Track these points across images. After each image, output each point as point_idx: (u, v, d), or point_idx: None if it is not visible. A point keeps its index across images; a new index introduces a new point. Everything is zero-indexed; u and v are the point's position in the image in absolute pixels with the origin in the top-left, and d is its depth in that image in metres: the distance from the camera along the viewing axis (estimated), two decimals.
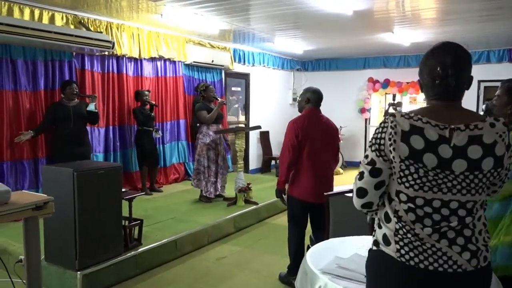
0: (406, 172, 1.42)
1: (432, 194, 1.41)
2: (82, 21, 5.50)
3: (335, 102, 9.80)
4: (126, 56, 6.21)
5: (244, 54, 8.61)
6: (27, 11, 4.91)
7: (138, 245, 4.02)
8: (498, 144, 1.41)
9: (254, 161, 9.35)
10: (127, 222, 3.97)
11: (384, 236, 1.49)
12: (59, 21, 5.23)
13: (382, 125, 1.48)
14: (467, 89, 1.50)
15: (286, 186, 3.53)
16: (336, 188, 3.38)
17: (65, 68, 5.45)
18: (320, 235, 3.44)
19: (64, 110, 4.92)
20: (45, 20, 5.08)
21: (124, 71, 6.25)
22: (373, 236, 1.56)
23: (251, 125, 8.77)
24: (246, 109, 9.17)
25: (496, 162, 1.41)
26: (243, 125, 8.87)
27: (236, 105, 9.23)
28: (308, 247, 3.18)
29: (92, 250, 3.47)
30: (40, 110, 5.20)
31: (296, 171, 3.42)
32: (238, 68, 8.53)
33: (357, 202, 1.54)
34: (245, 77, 9.01)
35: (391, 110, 8.79)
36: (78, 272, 3.38)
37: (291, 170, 3.41)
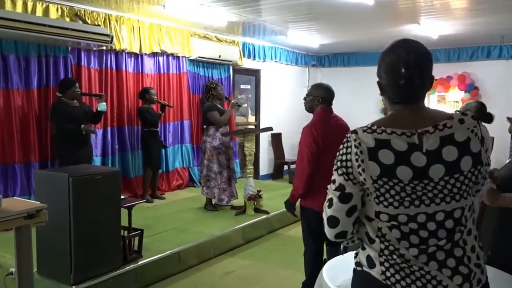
0: (382, 190, 1.40)
1: (415, 209, 1.39)
2: (79, 13, 5.56)
3: (355, 101, 9.75)
4: (126, 51, 6.26)
5: (254, 48, 8.63)
6: (19, 3, 4.99)
7: (138, 257, 4.04)
8: (472, 140, 1.40)
9: (265, 166, 9.35)
10: (126, 232, 3.99)
11: (368, 258, 1.48)
12: (54, 14, 5.30)
13: (346, 144, 1.47)
14: (429, 89, 1.50)
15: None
16: None
17: (60, 64, 5.52)
18: (338, 248, 3.42)
19: (74, 111, 4.96)
20: (39, 12, 5.15)
21: (124, 68, 6.31)
22: (355, 257, 1.55)
23: (261, 126, 8.78)
24: (256, 108, 9.18)
25: (475, 160, 1.39)
26: (252, 127, 8.87)
27: (245, 104, 9.23)
28: (325, 261, 3.16)
29: (89, 262, 3.50)
30: (32, 110, 5.26)
31: (314, 182, 3.35)
32: (247, 63, 8.55)
33: (330, 233, 1.52)
34: (255, 73, 9.03)
35: None
36: (73, 287, 3.40)
37: (310, 181, 3.30)
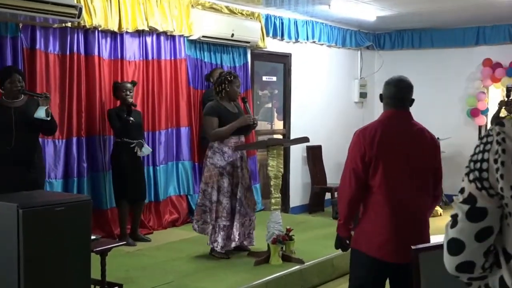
0: None
1: None
2: None
3: (429, 99, 9.66)
4: (99, 29, 6.36)
5: (282, 24, 8.68)
6: None
7: None
8: None
9: (298, 194, 9.33)
10: None
11: None
12: None
13: (485, 140, 1.49)
14: None
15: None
16: (431, 239, 3.32)
17: (7, 47, 5.63)
18: None
19: (3, 115, 4.94)
20: None
21: (96, 52, 6.40)
22: None
23: (293, 136, 8.78)
24: (285, 110, 9.19)
25: None
26: (280, 136, 8.88)
27: (270, 105, 9.26)
28: None
29: None
30: None
31: (365, 210, 3.40)
32: (272, 45, 8.59)
33: (449, 262, 1.54)
34: (284, 59, 9.06)
35: (503, 113, 8.59)
36: None
37: (355, 209, 3.40)
